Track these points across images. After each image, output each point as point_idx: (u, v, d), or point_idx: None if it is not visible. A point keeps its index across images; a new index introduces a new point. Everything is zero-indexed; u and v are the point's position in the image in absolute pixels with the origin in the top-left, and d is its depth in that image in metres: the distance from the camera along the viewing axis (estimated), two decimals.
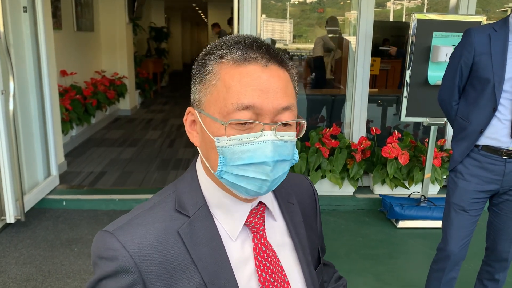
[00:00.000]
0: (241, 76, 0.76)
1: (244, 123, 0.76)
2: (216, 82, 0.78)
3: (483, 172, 2.08)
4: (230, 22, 7.71)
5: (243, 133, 0.76)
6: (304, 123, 0.82)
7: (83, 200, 3.97)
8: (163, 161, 5.31)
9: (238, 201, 0.85)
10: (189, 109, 0.85)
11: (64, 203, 3.94)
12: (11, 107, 3.30)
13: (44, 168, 4.03)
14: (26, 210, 3.51)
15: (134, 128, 7.06)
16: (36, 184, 3.89)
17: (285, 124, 0.78)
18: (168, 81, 13.23)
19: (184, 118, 0.86)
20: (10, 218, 3.38)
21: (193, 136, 0.85)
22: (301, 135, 0.82)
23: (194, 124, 0.85)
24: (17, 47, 3.62)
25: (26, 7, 3.67)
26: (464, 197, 2.12)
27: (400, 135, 4.04)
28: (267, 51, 0.78)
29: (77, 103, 5.66)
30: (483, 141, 2.06)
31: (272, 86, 0.76)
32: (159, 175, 4.76)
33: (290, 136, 0.79)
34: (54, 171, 4.13)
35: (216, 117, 0.77)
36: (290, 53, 6.45)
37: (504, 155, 2.02)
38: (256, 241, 0.86)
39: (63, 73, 5.69)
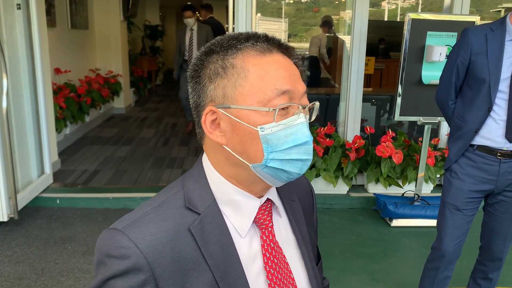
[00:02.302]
0: (270, 65, 0.79)
1: (283, 108, 0.79)
2: (246, 74, 0.79)
3: (478, 172, 2.09)
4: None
5: (284, 118, 0.79)
6: (318, 105, 0.86)
7: (77, 198, 3.96)
8: (158, 159, 5.30)
9: (249, 197, 0.85)
10: (209, 108, 0.81)
11: (58, 202, 3.93)
12: (4, 104, 3.28)
13: (37, 166, 4.01)
14: (19, 208, 3.49)
15: (128, 127, 7.04)
16: (30, 182, 3.87)
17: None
18: (162, 79, 13.19)
19: (203, 120, 0.82)
20: (3, 216, 3.36)
21: (216, 135, 0.82)
22: (313, 118, 0.87)
23: (214, 123, 0.82)
24: (11, 45, 3.59)
25: (19, 4, 3.65)
26: (458, 197, 2.13)
27: (394, 134, 4.06)
28: (280, 43, 0.83)
29: (71, 101, 5.63)
30: (478, 141, 2.07)
31: (294, 73, 0.82)
32: (154, 174, 4.75)
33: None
34: (48, 169, 4.11)
35: (257, 106, 0.78)
36: None
37: (499, 156, 2.03)
38: (265, 238, 0.86)
39: (57, 71, 5.65)
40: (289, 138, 0.79)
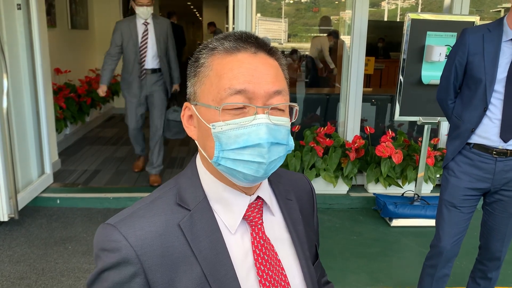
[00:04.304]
0: (232, 64, 0.79)
1: (238, 108, 0.78)
2: (209, 73, 0.81)
3: (474, 170, 2.11)
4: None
5: (238, 118, 0.78)
6: (297, 107, 0.85)
7: (77, 198, 3.96)
8: None
9: (237, 194, 0.86)
10: (185, 104, 0.87)
11: (58, 201, 3.93)
12: (4, 105, 3.29)
13: (38, 166, 4.02)
14: (19, 208, 3.50)
15: (128, 127, 7.03)
16: (30, 182, 3.88)
17: (277, 109, 0.81)
18: None
19: (181, 114, 0.88)
20: (4, 216, 3.36)
21: (191, 130, 0.88)
22: (294, 119, 0.85)
23: (191, 118, 0.88)
24: (11, 45, 3.60)
25: (20, 5, 3.65)
26: (455, 194, 2.15)
27: (394, 134, 4.06)
28: (255, 41, 0.82)
29: (71, 101, 5.64)
30: (475, 139, 2.09)
31: (262, 72, 0.80)
32: None
33: (284, 120, 0.82)
34: (48, 169, 4.12)
35: (210, 104, 0.80)
36: (285, 52, 6.46)
37: (495, 154, 2.05)
38: (255, 235, 0.87)
39: (57, 71, 5.66)
40: (240, 138, 0.78)
